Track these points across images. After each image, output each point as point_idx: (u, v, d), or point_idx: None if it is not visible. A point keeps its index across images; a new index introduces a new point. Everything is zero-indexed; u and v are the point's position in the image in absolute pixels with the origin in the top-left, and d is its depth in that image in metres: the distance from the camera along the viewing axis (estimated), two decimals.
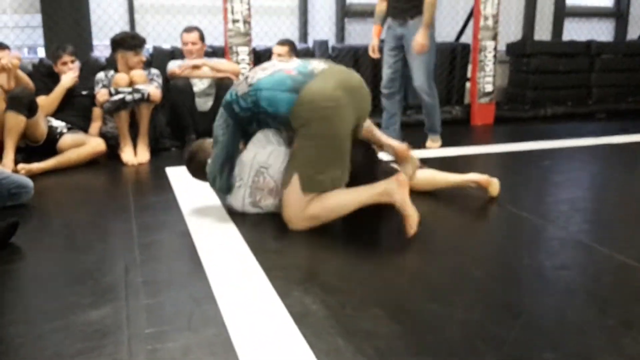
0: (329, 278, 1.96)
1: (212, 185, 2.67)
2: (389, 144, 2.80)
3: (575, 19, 7.03)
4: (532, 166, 3.76)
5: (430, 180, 2.97)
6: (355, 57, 5.45)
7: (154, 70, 4.10)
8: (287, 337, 1.57)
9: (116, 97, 3.76)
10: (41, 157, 3.57)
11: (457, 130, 5.09)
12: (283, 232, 2.43)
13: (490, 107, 5.55)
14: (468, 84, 5.78)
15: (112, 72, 3.99)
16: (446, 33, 6.08)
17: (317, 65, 2.48)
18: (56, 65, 4.07)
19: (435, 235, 2.46)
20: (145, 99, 3.82)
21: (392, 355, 1.48)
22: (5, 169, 3.13)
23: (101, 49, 5.15)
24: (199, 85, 4.33)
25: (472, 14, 5.58)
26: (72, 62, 4.05)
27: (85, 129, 3.99)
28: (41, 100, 3.80)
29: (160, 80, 4.06)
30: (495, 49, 5.47)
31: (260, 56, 4.98)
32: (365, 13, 6.12)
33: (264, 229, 2.47)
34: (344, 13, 6.07)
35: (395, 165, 2.81)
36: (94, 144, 3.78)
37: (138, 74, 3.89)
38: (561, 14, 6.81)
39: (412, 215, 2.34)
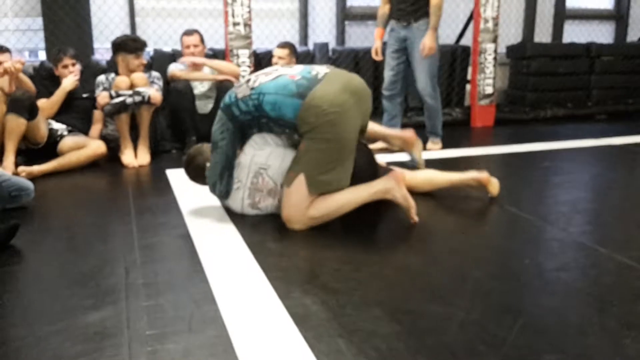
0: (329, 279, 1.96)
1: (212, 190, 2.68)
2: (395, 134, 3.01)
3: (575, 21, 7.03)
4: (533, 168, 3.76)
5: (430, 180, 2.98)
6: (355, 60, 5.45)
7: (155, 73, 4.11)
8: (287, 338, 1.57)
9: (117, 100, 3.76)
10: (42, 160, 3.58)
11: (457, 132, 5.09)
12: (283, 234, 2.44)
13: (491, 109, 5.55)
14: (468, 86, 5.78)
15: (112, 75, 4.00)
16: (446, 35, 6.08)
17: (320, 69, 2.49)
18: (57, 69, 4.07)
19: (435, 236, 2.46)
20: (146, 102, 3.82)
21: (393, 356, 1.48)
22: (6, 171, 3.14)
23: (102, 52, 5.16)
24: (199, 88, 4.34)
25: (472, 17, 5.58)
26: (73, 65, 4.06)
27: (85, 132, 4.00)
28: (42, 103, 3.81)
29: (160, 83, 4.06)
30: (495, 51, 5.47)
31: (260, 59, 4.99)
32: (365, 16, 6.13)
33: (264, 231, 2.47)
34: (344, 16, 6.07)
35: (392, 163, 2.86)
36: (94, 147, 3.78)
37: (139, 76, 3.89)
38: (561, 16, 6.81)
39: (413, 207, 2.50)
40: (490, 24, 5.40)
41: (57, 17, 4.69)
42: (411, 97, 5.43)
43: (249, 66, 4.78)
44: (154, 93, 3.86)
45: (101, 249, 2.29)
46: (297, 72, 2.48)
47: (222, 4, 4.84)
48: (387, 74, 4.31)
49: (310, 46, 5.65)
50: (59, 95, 3.93)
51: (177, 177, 3.39)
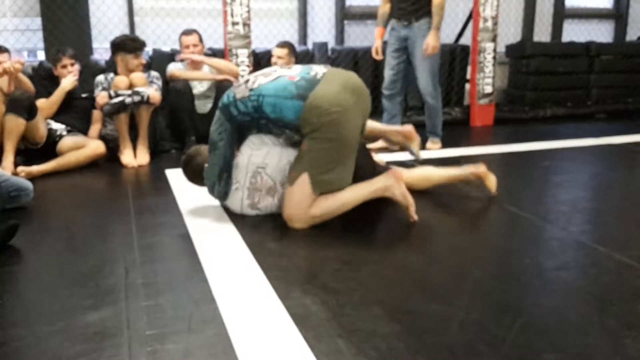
0: (329, 278, 1.95)
1: (211, 192, 2.68)
2: (394, 130, 3.14)
3: (575, 20, 7.04)
4: (532, 167, 3.76)
5: (428, 177, 3.00)
6: (355, 59, 5.45)
7: (154, 73, 4.11)
8: (287, 338, 1.57)
9: (116, 100, 3.76)
10: (41, 160, 3.58)
11: (456, 131, 5.09)
12: (282, 233, 2.43)
13: (490, 109, 5.55)
14: (467, 86, 5.78)
15: (111, 74, 3.99)
16: (445, 35, 6.08)
17: (319, 69, 2.50)
18: (56, 69, 4.07)
19: (435, 235, 2.46)
20: (145, 102, 3.82)
21: (392, 356, 1.48)
22: (5, 171, 3.14)
23: (101, 52, 5.15)
24: (198, 88, 4.33)
25: (472, 16, 5.58)
26: (72, 65, 4.06)
27: (85, 132, 4.00)
28: (41, 103, 3.81)
29: (159, 83, 4.06)
30: (494, 50, 5.47)
31: (260, 58, 4.99)
32: (365, 15, 6.13)
33: (264, 230, 2.47)
34: (344, 15, 6.07)
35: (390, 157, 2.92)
36: (93, 147, 3.78)
37: (138, 76, 3.89)
38: (560, 15, 6.82)
39: (412, 205, 2.52)
40: (489, 23, 5.40)
41: (55, 17, 4.68)
42: (410, 96, 5.43)
43: (248, 66, 4.78)
44: (153, 93, 3.86)
45: (101, 249, 2.29)
46: (296, 73, 2.48)
47: (221, 3, 4.84)
48: (388, 73, 4.31)
49: (310, 46, 5.65)
50: (58, 95, 3.93)
51: (176, 176, 3.39)
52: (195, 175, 2.80)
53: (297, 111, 2.36)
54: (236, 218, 2.61)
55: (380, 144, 4.23)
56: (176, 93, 4.15)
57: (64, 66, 4.03)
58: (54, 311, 1.75)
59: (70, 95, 3.98)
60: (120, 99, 3.76)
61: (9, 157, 3.45)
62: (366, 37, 6.11)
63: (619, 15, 7.22)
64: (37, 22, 4.94)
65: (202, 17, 5.54)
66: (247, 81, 2.54)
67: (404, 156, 3.52)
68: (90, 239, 2.44)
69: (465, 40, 5.82)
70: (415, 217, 2.52)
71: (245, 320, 1.67)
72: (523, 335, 1.57)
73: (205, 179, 2.67)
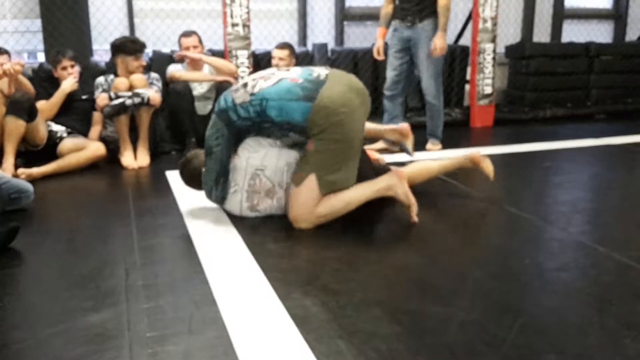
0: (329, 279, 1.96)
1: (209, 196, 2.68)
2: (390, 128, 3.25)
3: (574, 20, 7.04)
4: (532, 168, 3.76)
5: (427, 168, 3.04)
6: (354, 60, 5.45)
7: (154, 74, 4.11)
8: (287, 340, 1.57)
9: (116, 102, 3.76)
10: (41, 162, 3.58)
11: (456, 132, 5.09)
12: (283, 235, 2.44)
13: (490, 109, 5.55)
14: (467, 86, 5.78)
15: (111, 76, 4.00)
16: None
17: (320, 70, 2.51)
18: (56, 70, 4.07)
19: (435, 235, 2.46)
20: (145, 103, 3.82)
21: (393, 357, 1.48)
22: (6, 173, 3.14)
23: (101, 54, 5.16)
24: (198, 89, 4.34)
25: (471, 17, 5.58)
26: (72, 66, 4.06)
27: (85, 133, 4.00)
28: (41, 105, 3.81)
29: (159, 84, 4.06)
30: (494, 51, 5.47)
31: (259, 60, 4.99)
32: (364, 16, 6.13)
33: (264, 232, 2.47)
34: (343, 16, 6.08)
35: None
36: (94, 148, 3.78)
37: (138, 78, 3.89)
38: (560, 15, 6.82)
39: (414, 205, 2.53)
40: (489, 24, 5.40)
41: (55, 18, 4.68)
42: (410, 97, 5.43)
43: (248, 67, 4.78)
44: (153, 94, 3.86)
45: (101, 251, 2.29)
46: (297, 75, 2.48)
47: (220, 4, 4.84)
48: (390, 74, 4.30)
49: (309, 47, 5.65)
50: (58, 97, 3.93)
51: (176, 178, 3.37)
52: (191, 180, 2.79)
53: (305, 112, 2.36)
54: (236, 219, 2.61)
55: (380, 145, 4.23)
56: (176, 94, 4.15)
57: (64, 68, 4.03)
58: (54, 313, 1.75)
59: (70, 97, 3.98)
60: (120, 100, 3.76)
61: (9, 159, 3.45)
62: (366, 38, 6.11)
63: (618, 16, 7.22)
64: (37, 23, 4.94)
65: (202, 19, 5.55)
66: (245, 85, 2.52)
67: (405, 157, 3.52)
68: (91, 241, 2.44)
69: (465, 41, 5.83)
70: (416, 218, 2.53)
71: (246, 321, 1.68)
72: (523, 335, 1.57)
73: (202, 183, 2.67)
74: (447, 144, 4.40)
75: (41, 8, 4.75)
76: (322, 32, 6.07)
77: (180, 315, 1.72)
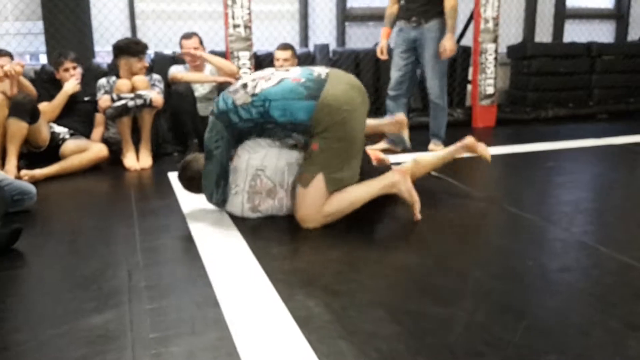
0: (331, 281, 1.96)
1: (210, 200, 2.68)
2: (386, 121, 3.30)
3: (576, 20, 7.03)
4: (534, 168, 3.76)
5: (426, 164, 3.05)
6: (356, 61, 5.45)
7: (156, 76, 4.11)
8: (290, 341, 1.57)
9: (118, 103, 3.77)
10: (44, 163, 3.58)
11: (458, 132, 5.04)
12: (285, 236, 2.44)
13: (492, 110, 5.55)
14: (469, 87, 5.78)
15: (114, 78, 4.00)
16: None
17: (320, 70, 2.53)
18: (58, 72, 4.08)
19: (436, 236, 2.46)
20: (148, 105, 3.83)
21: (393, 357, 1.48)
22: (8, 175, 3.14)
23: (103, 55, 5.17)
24: (200, 90, 4.34)
25: (473, 17, 5.58)
26: (74, 68, 4.06)
27: (87, 135, 4.00)
28: (44, 106, 3.81)
29: (161, 86, 4.07)
30: (496, 51, 5.47)
31: (261, 61, 5.00)
32: (365, 17, 6.13)
33: (267, 233, 2.47)
34: (345, 17, 6.08)
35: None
36: (96, 150, 3.79)
37: (140, 79, 3.90)
38: (561, 15, 6.81)
39: (417, 202, 2.56)
40: (490, 24, 5.40)
41: (57, 20, 4.70)
42: (413, 98, 5.43)
43: (249, 68, 4.78)
44: (156, 96, 3.87)
45: (104, 252, 2.30)
46: (298, 74, 2.49)
47: (222, 6, 4.85)
48: (394, 74, 4.29)
49: (311, 47, 5.65)
50: (61, 98, 3.94)
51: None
52: (191, 184, 2.79)
53: (309, 111, 2.37)
54: (238, 220, 2.61)
55: (382, 145, 4.24)
56: (178, 96, 4.15)
57: (66, 69, 4.03)
58: (56, 314, 1.76)
59: (72, 99, 3.99)
60: (122, 102, 3.77)
61: (12, 160, 3.46)
62: (367, 38, 6.11)
63: (620, 16, 7.21)
64: (39, 25, 4.95)
65: (203, 20, 5.55)
66: (244, 85, 2.51)
67: (405, 157, 3.52)
68: (93, 242, 2.45)
69: (467, 41, 5.82)
70: (419, 216, 2.55)
71: (249, 322, 1.68)
72: (525, 336, 1.57)
73: (203, 187, 2.67)
74: (449, 144, 4.37)
75: (43, 10, 4.76)
76: (323, 32, 6.08)
77: (182, 316, 1.72)
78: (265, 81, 2.49)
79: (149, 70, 4.26)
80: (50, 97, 3.97)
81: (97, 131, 4.06)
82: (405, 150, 3.38)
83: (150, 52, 4.78)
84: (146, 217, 2.73)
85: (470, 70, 5.70)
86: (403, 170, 2.63)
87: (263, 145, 2.58)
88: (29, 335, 1.63)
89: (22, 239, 2.33)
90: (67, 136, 3.86)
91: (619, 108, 6.20)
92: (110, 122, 3.98)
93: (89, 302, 1.83)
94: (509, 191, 3.00)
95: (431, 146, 4.34)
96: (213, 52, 4.91)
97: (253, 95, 2.45)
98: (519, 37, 6.72)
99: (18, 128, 3.49)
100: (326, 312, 1.72)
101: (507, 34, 6.49)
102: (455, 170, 3.44)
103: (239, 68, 4.66)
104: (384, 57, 4.34)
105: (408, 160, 3.07)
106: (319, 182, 2.42)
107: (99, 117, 4.04)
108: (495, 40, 5.44)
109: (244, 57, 4.78)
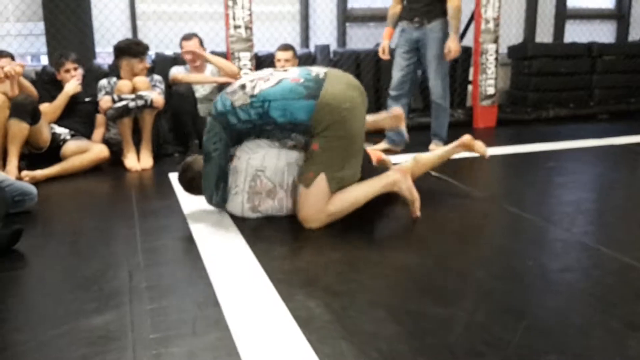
0: (332, 281, 1.96)
1: (209, 201, 2.68)
2: (383, 116, 3.31)
3: (577, 21, 7.03)
4: (535, 168, 3.75)
5: (425, 163, 3.05)
6: (357, 62, 5.45)
7: (157, 77, 4.12)
8: (291, 341, 1.57)
9: (119, 104, 3.77)
10: (45, 164, 3.59)
11: (459, 133, 5.02)
12: (286, 236, 2.44)
13: (493, 110, 5.55)
14: (470, 87, 5.78)
15: (114, 79, 4.01)
16: None
17: (318, 69, 2.53)
18: (59, 73, 4.08)
19: (437, 236, 2.46)
20: (148, 106, 3.83)
21: (394, 357, 1.48)
22: (9, 176, 3.15)
23: (104, 56, 5.17)
24: (201, 91, 4.35)
25: (473, 17, 5.58)
26: (75, 69, 4.07)
27: (88, 136, 4.01)
28: (45, 107, 3.82)
29: (162, 87, 4.07)
30: (496, 51, 5.47)
31: (262, 61, 4.99)
32: (366, 18, 6.14)
33: (267, 233, 2.47)
34: (345, 18, 6.08)
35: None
36: (97, 151, 3.79)
37: (141, 80, 3.90)
38: (562, 16, 6.81)
39: (417, 200, 2.58)
40: (491, 25, 5.40)
41: (58, 21, 4.70)
42: (413, 98, 5.43)
43: (250, 69, 4.79)
44: (157, 97, 3.87)
45: (104, 253, 2.30)
46: (296, 75, 2.49)
47: (223, 7, 4.86)
48: (396, 75, 4.29)
49: (312, 48, 5.66)
50: (62, 99, 3.94)
51: None
52: (191, 186, 2.79)
53: (309, 111, 2.38)
54: (238, 221, 2.61)
55: (383, 145, 4.24)
56: (179, 97, 4.16)
57: (67, 70, 4.04)
58: (58, 315, 1.76)
59: (73, 100, 3.99)
60: (123, 103, 3.77)
61: (12, 161, 3.46)
62: (368, 39, 6.11)
63: (621, 16, 7.21)
64: (40, 26, 4.96)
65: (204, 21, 5.56)
66: (243, 86, 2.50)
67: (405, 157, 3.52)
68: (94, 243, 2.45)
69: (467, 41, 5.82)
70: (418, 213, 2.56)
71: (249, 323, 1.68)
72: (526, 336, 1.57)
73: (202, 189, 2.67)
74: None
75: (44, 11, 4.77)
76: (324, 33, 6.08)
77: (183, 316, 1.73)
78: (264, 82, 2.48)
79: (150, 71, 4.26)
80: (51, 98, 3.97)
81: (98, 132, 4.06)
82: (404, 144, 3.41)
83: (151, 53, 4.79)
84: (147, 218, 2.74)
85: (471, 70, 5.70)
86: (403, 169, 2.64)
87: (263, 146, 2.58)
88: (29, 335, 1.64)
89: (23, 239, 2.34)
90: (68, 137, 3.87)
91: (619, 108, 6.20)
92: (111, 122, 3.98)
93: (90, 302, 1.83)
94: (510, 191, 3.00)
95: (432, 146, 4.34)
96: (214, 53, 4.91)
97: (252, 96, 2.44)
98: (520, 37, 6.72)
99: (19, 129, 3.50)
100: (327, 312, 1.72)
101: (507, 35, 6.49)
102: (455, 170, 3.44)
103: (240, 69, 4.66)
104: (385, 56, 4.34)
105: (408, 159, 3.07)
106: (321, 181, 2.43)
107: (100, 118, 4.05)
108: (496, 40, 5.44)
109: (245, 58, 4.79)
